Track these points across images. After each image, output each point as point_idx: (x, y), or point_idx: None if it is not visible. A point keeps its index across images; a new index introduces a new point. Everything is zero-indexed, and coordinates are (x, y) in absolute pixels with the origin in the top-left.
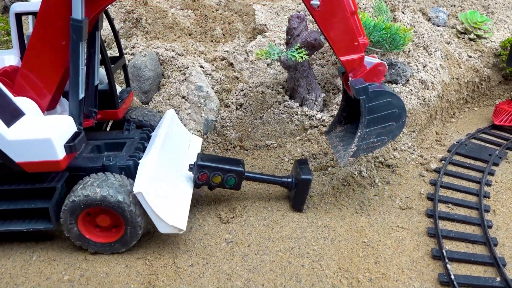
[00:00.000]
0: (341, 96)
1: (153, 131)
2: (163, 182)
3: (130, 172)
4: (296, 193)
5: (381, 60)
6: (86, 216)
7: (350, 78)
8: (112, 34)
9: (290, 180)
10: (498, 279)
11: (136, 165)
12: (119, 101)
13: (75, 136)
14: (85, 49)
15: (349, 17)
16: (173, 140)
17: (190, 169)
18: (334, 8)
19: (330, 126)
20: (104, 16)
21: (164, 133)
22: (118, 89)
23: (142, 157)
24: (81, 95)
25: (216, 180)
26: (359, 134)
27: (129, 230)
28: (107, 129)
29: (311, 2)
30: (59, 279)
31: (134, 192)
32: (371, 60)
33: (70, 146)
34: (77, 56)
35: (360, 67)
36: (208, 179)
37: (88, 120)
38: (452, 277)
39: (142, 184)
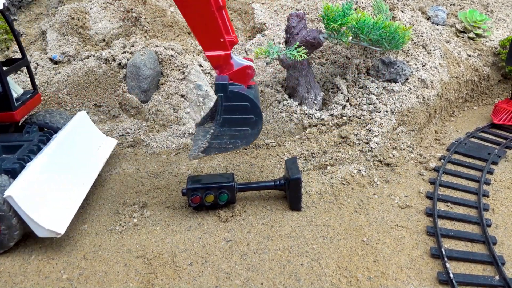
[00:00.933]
0: (340, 95)
1: (55, 133)
2: (47, 185)
3: (16, 175)
4: (290, 193)
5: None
6: None
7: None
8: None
9: (282, 182)
10: (497, 277)
11: (22, 168)
12: (18, 103)
13: None
14: None
15: (214, 11)
16: (75, 142)
17: (184, 194)
18: (199, 1)
19: (202, 120)
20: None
21: (64, 135)
22: (20, 90)
23: (32, 159)
24: None
25: (209, 199)
26: (212, 131)
27: (5, 231)
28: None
29: None
30: (58, 278)
31: (4, 196)
32: (242, 61)
33: None
34: None
35: (226, 65)
36: (201, 200)
37: None
38: (451, 275)
39: (16, 188)
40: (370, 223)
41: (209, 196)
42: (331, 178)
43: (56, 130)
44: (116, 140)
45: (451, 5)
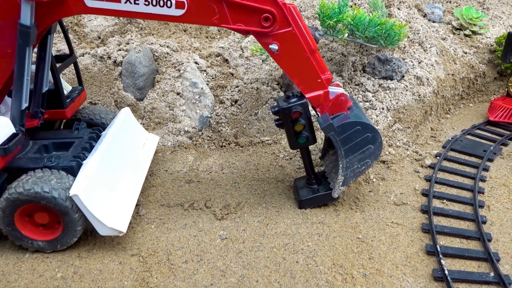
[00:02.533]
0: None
1: (104, 130)
2: (105, 183)
3: (74, 173)
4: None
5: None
6: (24, 213)
7: (317, 114)
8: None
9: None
10: (492, 274)
11: (79, 166)
12: (68, 100)
13: (11, 138)
14: (34, 53)
15: (308, 57)
16: (123, 139)
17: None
18: (293, 51)
19: (322, 151)
20: None
21: (114, 132)
22: (68, 88)
23: (87, 157)
24: (24, 104)
25: (298, 127)
26: (341, 165)
27: (67, 228)
28: (61, 128)
29: (270, 46)
30: (52, 276)
31: (70, 195)
32: (334, 89)
33: (4, 148)
34: (23, 61)
35: (326, 102)
36: (296, 119)
37: (32, 121)
38: (446, 272)
39: (79, 186)
40: (365, 220)
41: (299, 125)
42: None
43: (102, 127)
44: (158, 136)
45: (447, 2)
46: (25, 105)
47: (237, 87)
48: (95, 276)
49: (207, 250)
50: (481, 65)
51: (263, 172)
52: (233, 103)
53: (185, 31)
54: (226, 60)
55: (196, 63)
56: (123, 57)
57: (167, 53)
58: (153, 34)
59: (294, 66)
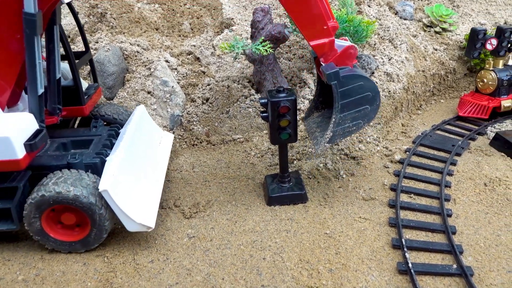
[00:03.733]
0: (314, 89)
1: (121, 127)
2: (130, 179)
3: (97, 170)
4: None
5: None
6: (51, 212)
7: (321, 63)
8: (77, 28)
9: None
10: (455, 266)
11: (103, 163)
12: (86, 97)
13: (36, 134)
14: (43, 43)
15: (316, 0)
16: (142, 136)
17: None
18: None
19: (307, 112)
20: (68, 11)
21: (133, 130)
22: (85, 85)
23: (109, 154)
24: (40, 90)
25: (283, 123)
26: (333, 119)
27: (94, 233)
28: (75, 126)
29: None
30: (13, 279)
31: (99, 190)
32: (341, 43)
33: (30, 144)
34: (33, 50)
35: (331, 51)
36: (283, 114)
37: (51, 117)
38: (410, 265)
39: (108, 182)
40: (334, 216)
41: (284, 121)
42: None
43: (117, 123)
44: (173, 134)
45: (419, 0)
46: (41, 90)
47: (208, 85)
48: (58, 278)
49: (174, 249)
50: (451, 61)
51: (234, 170)
52: (205, 101)
53: (157, 29)
54: (198, 58)
55: (167, 61)
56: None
57: (137, 52)
58: (124, 33)
59: (301, 10)
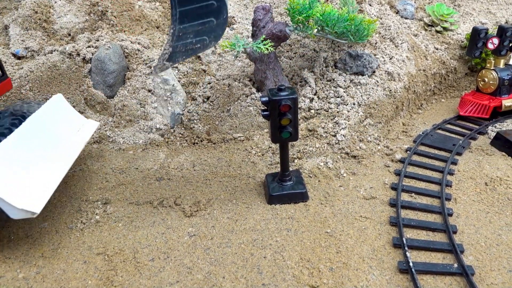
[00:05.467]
0: (307, 88)
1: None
2: (18, 166)
3: None
4: None
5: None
6: None
7: None
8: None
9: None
10: (456, 265)
11: None
12: None
13: None
14: None
15: None
16: (50, 123)
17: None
18: None
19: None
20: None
21: (36, 117)
22: None
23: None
24: None
25: (284, 122)
26: (172, 31)
27: None
28: None
29: None
30: (14, 277)
31: None
32: None
33: None
34: None
35: None
36: (284, 112)
37: None
38: (411, 264)
39: None
40: (334, 215)
41: (286, 120)
42: None
43: (24, 114)
44: (98, 122)
45: None
46: None
47: (209, 83)
48: (58, 276)
49: (175, 248)
50: (452, 61)
51: (235, 168)
52: (205, 99)
53: (157, 27)
54: (199, 57)
55: None
56: (92, 54)
57: (138, 50)
58: (124, 31)
59: None
